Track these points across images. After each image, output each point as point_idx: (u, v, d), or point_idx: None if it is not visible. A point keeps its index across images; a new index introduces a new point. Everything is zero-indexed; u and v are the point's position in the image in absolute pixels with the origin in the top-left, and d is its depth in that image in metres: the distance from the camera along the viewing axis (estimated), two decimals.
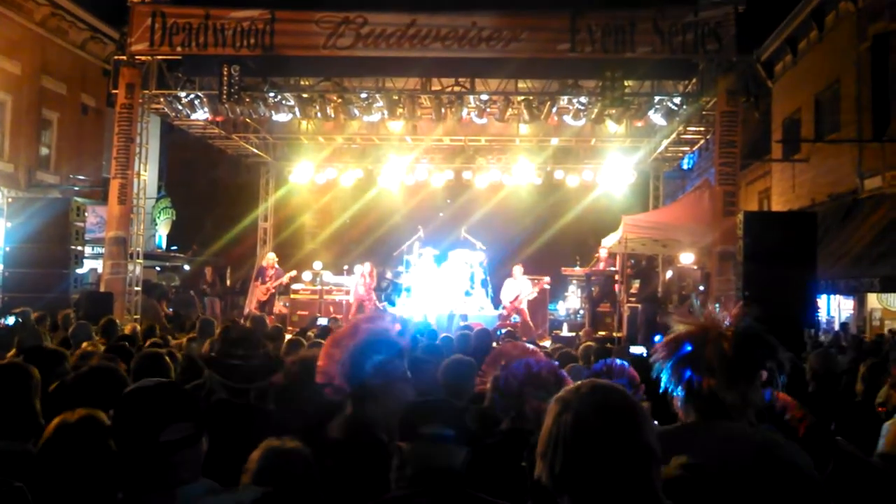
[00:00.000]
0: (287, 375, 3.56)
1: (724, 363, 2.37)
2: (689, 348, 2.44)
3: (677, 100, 14.58)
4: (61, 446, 2.49)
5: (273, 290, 17.20)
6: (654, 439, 1.74)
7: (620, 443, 1.70)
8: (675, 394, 2.50)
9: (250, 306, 18.30)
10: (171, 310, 16.58)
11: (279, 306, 17.91)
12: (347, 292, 17.08)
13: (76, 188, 19.42)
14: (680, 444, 2.37)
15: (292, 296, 17.52)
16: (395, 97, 15.09)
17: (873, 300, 15.79)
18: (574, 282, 18.56)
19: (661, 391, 2.53)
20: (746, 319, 2.44)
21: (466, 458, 2.35)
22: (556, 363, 3.77)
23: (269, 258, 17.68)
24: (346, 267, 18.12)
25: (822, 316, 16.73)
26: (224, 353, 3.39)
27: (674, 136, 16.72)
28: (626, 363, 3.80)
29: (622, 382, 3.54)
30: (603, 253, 16.50)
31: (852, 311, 17.06)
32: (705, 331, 2.44)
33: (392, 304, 16.77)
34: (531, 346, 4.62)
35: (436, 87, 15.25)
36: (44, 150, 19.77)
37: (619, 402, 1.77)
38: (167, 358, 4.57)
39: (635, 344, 11.32)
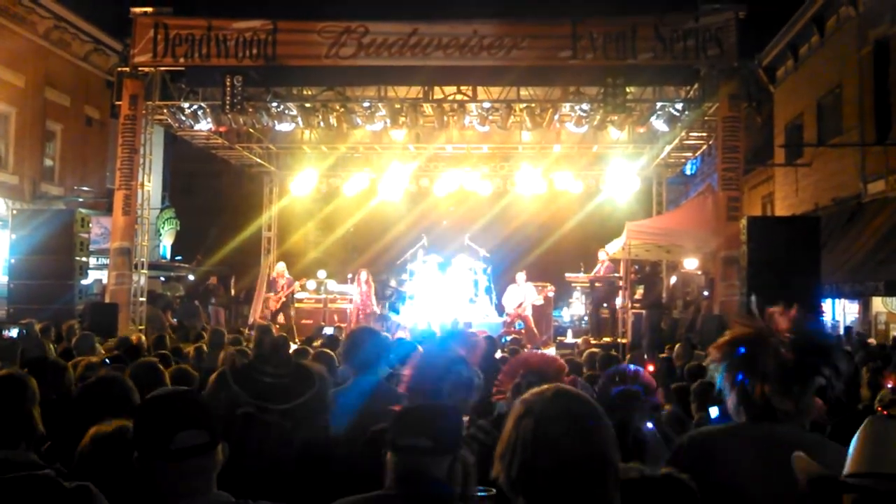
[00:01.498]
0: None
1: (780, 369, 2.36)
2: (744, 351, 2.42)
3: (679, 106, 14.58)
4: (98, 457, 2.48)
5: (284, 299, 17.20)
6: (613, 448, 1.75)
7: (577, 450, 1.70)
8: (727, 397, 2.48)
9: (255, 315, 18.30)
10: (175, 320, 16.59)
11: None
12: (351, 300, 17.09)
13: (80, 199, 19.46)
14: (729, 445, 2.38)
15: (297, 304, 17.52)
16: (398, 106, 15.12)
17: (878, 304, 15.74)
18: (578, 288, 18.55)
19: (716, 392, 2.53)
20: (804, 325, 2.42)
21: (453, 465, 2.36)
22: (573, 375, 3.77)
23: (279, 268, 17.68)
24: (350, 275, 18.11)
25: (828, 320, 16.69)
26: (254, 368, 3.31)
27: (676, 141, 16.72)
28: (640, 368, 3.80)
29: (637, 389, 3.54)
30: (601, 255, 16.48)
31: (857, 315, 17.01)
32: (762, 335, 2.42)
33: (396, 311, 16.77)
34: (551, 354, 4.59)
35: (438, 95, 15.28)
36: (48, 162, 19.83)
37: (579, 410, 1.77)
38: (161, 367, 4.57)
39: (637, 348, 11.32)
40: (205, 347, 8.34)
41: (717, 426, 2.63)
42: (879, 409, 4.97)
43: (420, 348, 4.02)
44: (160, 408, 2.19)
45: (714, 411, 4.93)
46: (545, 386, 1.85)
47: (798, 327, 2.41)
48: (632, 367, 3.84)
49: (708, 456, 2.33)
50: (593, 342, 14.07)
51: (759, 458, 2.27)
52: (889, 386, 5.80)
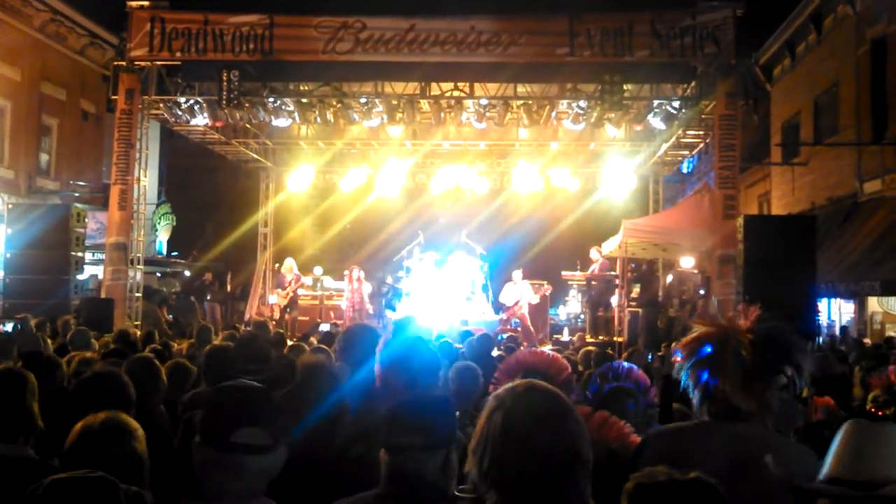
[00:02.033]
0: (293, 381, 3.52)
1: (742, 368, 2.35)
2: (709, 350, 2.42)
3: (676, 103, 14.58)
4: (86, 450, 2.46)
5: (292, 294, 17.11)
6: (584, 444, 1.75)
7: (547, 446, 1.70)
8: (691, 395, 2.48)
9: (251, 311, 18.28)
10: (171, 316, 16.56)
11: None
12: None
13: (76, 194, 19.41)
14: (688, 443, 2.37)
15: None
16: (395, 102, 15.11)
17: (874, 304, 15.77)
18: (574, 286, 18.55)
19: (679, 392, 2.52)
20: (765, 323, 2.41)
21: (447, 459, 2.35)
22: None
23: (288, 264, 17.59)
24: (346, 272, 18.11)
25: (823, 320, 16.70)
26: (231, 367, 3.29)
27: (673, 139, 16.72)
28: (634, 366, 3.79)
29: (629, 387, 3.53)
30: (594, 255, 16.45)
31: (853, 315, 17.04)
32: (725, 334, 2.42)
33: (392, 309, 16.75)
34: (552, 353, 4.57)
35: (435, 91, 15.27)
36: (44, 157, 19.77)
37: (549, 406, 1.77)
38: (157, 362, 4.55)
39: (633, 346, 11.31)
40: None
41: (680, 423, 2.61)
42: (873, 409, 4.97)
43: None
44: (232, 398, 2.17)
45: None
46: (518, 381, 1.85)
47: (759, 326, 2.41)
48: (625, 364, 3.84)
49: (672, 453, 2.32)
50: (589, 340, 14.10)
51: (724, 455, 2.25)
52: (881, 386, 5.80)
